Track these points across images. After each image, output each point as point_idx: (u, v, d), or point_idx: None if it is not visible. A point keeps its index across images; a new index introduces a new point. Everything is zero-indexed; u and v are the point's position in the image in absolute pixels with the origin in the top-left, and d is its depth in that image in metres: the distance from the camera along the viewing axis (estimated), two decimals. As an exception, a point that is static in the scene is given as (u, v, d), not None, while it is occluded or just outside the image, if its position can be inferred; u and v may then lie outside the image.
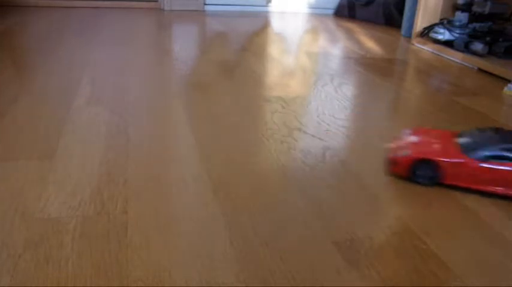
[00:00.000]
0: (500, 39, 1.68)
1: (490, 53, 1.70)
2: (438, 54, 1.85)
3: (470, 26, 1.79)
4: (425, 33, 1.96)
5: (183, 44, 1.76)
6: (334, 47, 1.88)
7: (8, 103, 1.06)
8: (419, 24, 2.01)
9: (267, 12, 2.78)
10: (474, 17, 1.81)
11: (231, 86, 1.27)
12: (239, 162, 0.83)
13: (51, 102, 1.08)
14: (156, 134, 0.93)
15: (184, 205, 0.69)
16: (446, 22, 1.84)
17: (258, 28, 2.21)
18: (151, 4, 2.63)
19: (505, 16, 1.78)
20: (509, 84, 1.38)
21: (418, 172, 0.78)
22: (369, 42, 2.02)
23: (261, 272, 0.56)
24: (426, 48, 1.94)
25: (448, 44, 1.82)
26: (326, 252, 0.60)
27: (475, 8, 1.79)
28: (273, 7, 2.83)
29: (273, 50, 1.76)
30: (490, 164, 0.76)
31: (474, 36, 1.75)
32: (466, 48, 1.74)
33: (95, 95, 1.14)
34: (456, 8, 1.93)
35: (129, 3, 2.61)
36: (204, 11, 2.66)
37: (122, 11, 2.49)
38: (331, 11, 2.85)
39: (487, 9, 1.74)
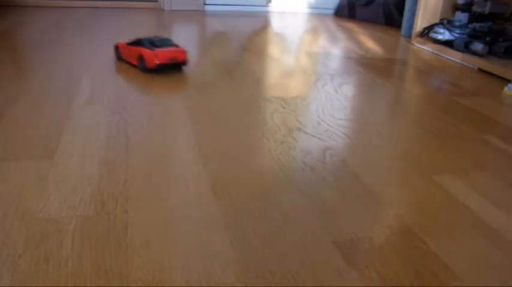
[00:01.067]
0: (500, 39, 1.68)
1: (490, 53, 1.70)
2: (438, 54, 1.85)
3: (470, 26, 1.79)
4: (425, 33, 1.96)
5: (183, 44, 1.76)
6: (334, 47, 1.88)
7: (8, 103, 1.06)
8: (419, 24, 2.01)
9: (267, 12, 2.78)
10: (474, 17, 1.81)
11: (231, 86, 1.27)
12: (239, 162, 0.83)
13: (51, 102, 1.08)
14: (156, 134, 0.93)
15: (184, 205, 0.69)
16: (446, 22, 1.85)
17: (258, 28, 2.21)
18: (152, 4, 2.63)
19: (505, 16, 1.78)
20: (509, 84, 1.38)
21: (115, 53, 1.47)
22: (369, 42, 2.02)
23: (261, 272, 0.56)
24: (426, 48, 1.94)
25: (448, 44, 1.82)
26: (326, 252, 0.60)
27: (475, 8, 1.79)
28: (273, 7, 2.83)
29: (273, 50, 1.76)
30: (128, 46, 1.40)
31: (474, 36, 1.75)
32: (466, 48, 1.74)
33: (95, 95, 1.14)
34: (456, 8, 1.93)
35: (129, 3, 2.61)
36: (204, 11, 2.67)
37: (122, 11, 2.49)
38: (331, 11, 2.85)
39: (487, 9, 1.74)
